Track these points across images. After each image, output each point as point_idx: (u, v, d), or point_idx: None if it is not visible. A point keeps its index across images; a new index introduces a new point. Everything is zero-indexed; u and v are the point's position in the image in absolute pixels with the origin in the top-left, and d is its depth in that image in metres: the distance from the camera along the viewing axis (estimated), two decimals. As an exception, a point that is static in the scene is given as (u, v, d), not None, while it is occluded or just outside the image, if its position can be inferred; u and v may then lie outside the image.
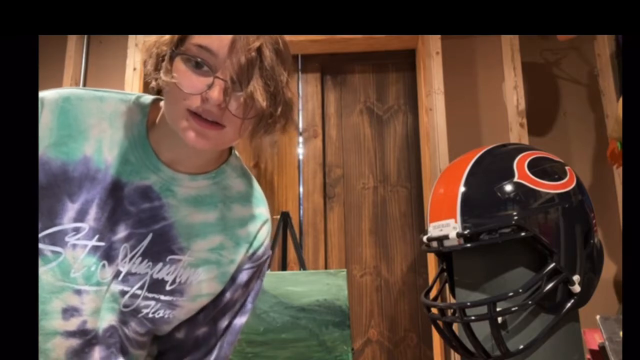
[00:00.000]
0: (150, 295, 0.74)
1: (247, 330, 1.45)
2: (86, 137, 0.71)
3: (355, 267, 1.96)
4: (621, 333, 1.20)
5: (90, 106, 0.72)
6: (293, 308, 1.47)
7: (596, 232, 1.11)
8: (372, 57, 2.12)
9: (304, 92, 2.10)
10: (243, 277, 0.81)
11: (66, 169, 0.69)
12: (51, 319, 0.70)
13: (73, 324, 0.70)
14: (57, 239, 0.69)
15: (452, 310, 1.19)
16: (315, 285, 1.49)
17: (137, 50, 1.87)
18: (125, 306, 0.73)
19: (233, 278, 0.80)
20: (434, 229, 1.11)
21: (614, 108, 1.80)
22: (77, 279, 0.70)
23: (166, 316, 0.76)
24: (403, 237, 1.97)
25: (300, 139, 2.06)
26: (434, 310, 1.16)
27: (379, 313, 1.91)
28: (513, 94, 1.86)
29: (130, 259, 0.72)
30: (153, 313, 0.75)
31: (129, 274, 0.72)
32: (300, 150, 2.05)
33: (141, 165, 0.72)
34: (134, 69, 1.88)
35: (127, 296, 0.73)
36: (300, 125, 2.07)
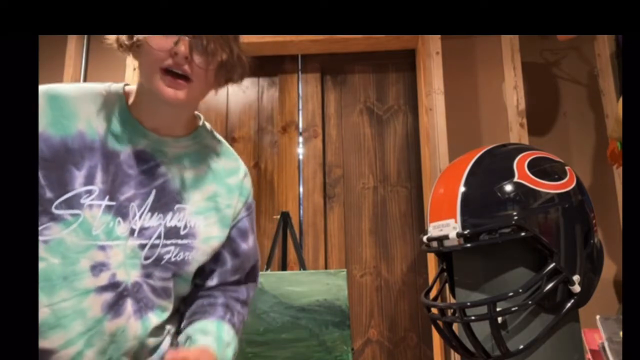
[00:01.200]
0: (169, 242, 0.83)
1: (247, 331, 1.45)
2: (77, 116, 0.79)
3: (355, 267, 1.96)
4: (621, 333, 1.20)
5: (73, 92, 0.82)
6: (293, 308, 1.47)
7: (596, 232, 1.11)
8: (372, 57, 2.12)
9: (304, 92, 2.10)
10: (245, 224, 0.94)
11: (66, 142, 0.77)
12: (82, 278, 0.76)
13: (103, 278, 0.77)
14: (73, 203, 0.76)
15: (452, 310, 1.19)
16: (315, 285, 1.49)
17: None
18: (146, 258, 0.81)
19: (237, 227, 0.93)
20: (434, 229, 1.11)
21: (614, 108, 1.80)
22: (99, 236, 0.77)
23: (186, 258, 0.85)
24: (403, 237, 1.97)
25: (300, 139, 2.06)
26: (434, 310, 1.16)
27: (379, 313, 1.91)
28: (513, 94, 1.86)
29: (140, 216, 0.81)
30: (175, 257, 0.84)
31: (142, 229, 0.81)
32: (300, 150, 2.05)
33: (131, 134, 0.82)
34: (134, 69, 1.88)
35: (146, 248, 0.81)
36: (300, 125, 2.07)
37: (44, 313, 0.74)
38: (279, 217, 1.78)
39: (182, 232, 0.85)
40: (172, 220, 0.84)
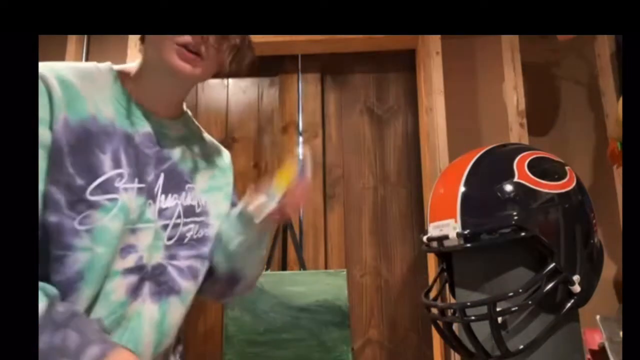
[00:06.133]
0: (188, 220, 0.85)
1: (247, 331, 1.45)
2: (84, 98, 0.74)
3: (356, 267, 1.96)
4: (621, 333, 1.20)
5: (72, 72, 0.76)
6: (293, 308, 1.47)
7: (596, 232, 1.11)
8: (372, 57, 2.12)
9: (304, 92, 2.10)
10: (235, 199, 0.99)
11: (84, 125, 0.73)
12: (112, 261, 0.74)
13: (131, 260, 0.76)
14: (108, 187, 0.73)
15: (452, 310, 1.19)
16: (315, 285, 1.49)
17: (137, 50, 1.87)
18: (169, 238, 0.82)
19: (233, 203, 0.97)
20: (434, 229, 1.11)
21: (614, 108, 1.80)
22: (134, 219, 0.76)
23: (205, 235, 0.88)
24: (403, 237, 1.97)
25: (301, 139, 2.06)
26: (434, 310, 1.16)
27: (379, 313, 1.91)
28: (513, 94, 1.86)
29: (158, 199, 0.81)
30: (196, 234, 0.86)
31: (162, 210, 0.81)
32: (300, 150, 2.05)
33: (136, 117, 0.81)
34: (134, 69, 1.88)
35: (169, 228, 0.82)
36: (300, 126, 2.07)
37: (82, 302, 0.70)
38: (279, 217, 1.78)
39: (197, 210, 0.87)
40: (186, 199, 0.85)
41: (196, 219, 0.87)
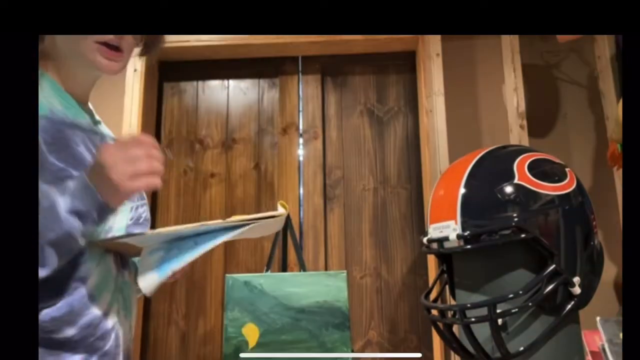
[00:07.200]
0: (142, 202, 0.94)
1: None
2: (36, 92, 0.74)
3: (356, 269, 1.95)
4: (621, 335, 1.20)
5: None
6: (293, 309, 1.46)
7: (596, 234, 1.11)
8: (372, 58, 2.12)
9: (304, 93, 2.10)
10: None
11: (51, 120, 0.74)
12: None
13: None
14: None
15: (452, 312, 1.19)
16: (315, 286, 1.49)
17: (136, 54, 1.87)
18: (130, 219, 0.90)
19: None
20: (434, 231, 1.11)
21: (614, 110, 1.80)
22: None
23: (148, 216, 0.97)
24: (403, 239, 1.97)
25: (301, 141, 2.06)
26: (434, 312, 1.16)
27: (379, 314, 1.91)
28: (513, 95, 1.86)
29: None
30: (146, 215, 0.95)
31: None
32: (300, 152, 2.05)
33: (74, 106, 0.82)
34: (135, 70, 1.88)
35: (133, 210, 0.90)
36: (301, 127, 2.08)
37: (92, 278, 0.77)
38: (279, 218, 1.78)
39: (143, 194, 0.94)
40: None
41: (144, 201, 0.95)
